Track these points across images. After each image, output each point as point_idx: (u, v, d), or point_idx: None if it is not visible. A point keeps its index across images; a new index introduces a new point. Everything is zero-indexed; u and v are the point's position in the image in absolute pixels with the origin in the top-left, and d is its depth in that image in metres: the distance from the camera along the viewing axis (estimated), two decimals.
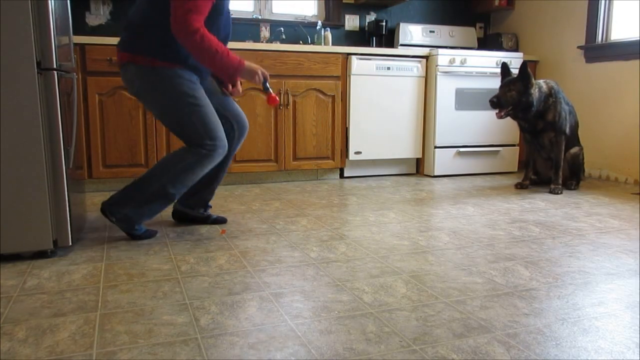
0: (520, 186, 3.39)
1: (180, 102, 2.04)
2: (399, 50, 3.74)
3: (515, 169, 4.10)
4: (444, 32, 4.37)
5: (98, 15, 3.60)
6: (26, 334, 1.28)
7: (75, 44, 2.94)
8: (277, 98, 2.13)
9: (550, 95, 3.16)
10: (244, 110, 3.31)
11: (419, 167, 4.01)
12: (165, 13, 1.99)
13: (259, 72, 2.11)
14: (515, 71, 3.33)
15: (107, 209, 2.08)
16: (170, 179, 2.06)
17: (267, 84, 2.16)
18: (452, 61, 3.76)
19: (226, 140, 2.12)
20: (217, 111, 2.24)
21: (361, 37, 4.29)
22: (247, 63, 2.08)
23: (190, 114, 2.03)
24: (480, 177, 3.88)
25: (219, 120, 2.12)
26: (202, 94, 2.10)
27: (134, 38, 2.04)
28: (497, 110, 3.14)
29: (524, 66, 3.07)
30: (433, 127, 3.80)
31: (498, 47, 4.36)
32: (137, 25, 2.04)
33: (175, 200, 2.37)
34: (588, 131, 3.84)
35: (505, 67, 3.19)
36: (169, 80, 2.03)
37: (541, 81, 3.21)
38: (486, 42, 4.62)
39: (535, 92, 3.10)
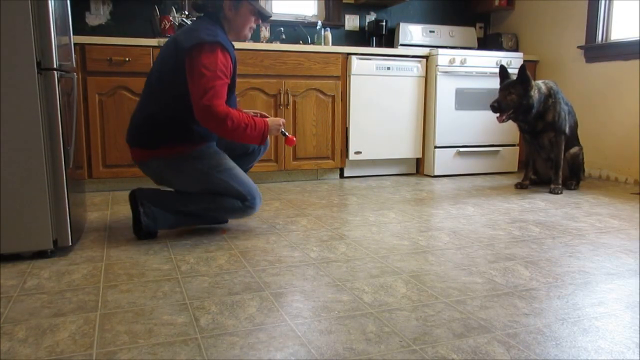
0: (520, 186, 3.39)
1: (210, 175, 2.13)
2: (399, 50, 3.74)
3: (515, 169, 4.10)
4: (444, 32, 4.37)
5: (98, 15, 3.60)
6: (26, 334, 1.28)
7: (75, 44, 2.94)
8: (294, 138, 2.32)
9: (550, 96, 3.16)
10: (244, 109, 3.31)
11: (419, 167, 4.01)
12: (179, 101, 2.05)
13: (281, 124, 2.23)
14: (512, 71, 3.33)
15: (139, 196, 2.10)
16: (212, 209, 2.17)
17: (284, 130, 2.28)
18: (452, 61, 3.76)
19: (258, 189, 2.21)
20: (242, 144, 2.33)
21: (361, 37, 4.29)
22: (270, 122, 2.17)
23: (223, 181, 2.13)
24: (480, 177, 3.88)
25: (245, 174, 2.21)
26: (224, 157, 2.19)
27: (151, 134, 2.10)
28: (497, 115, 3.13)
29: (522, 69, 3.06)
30: (433, 127, 3.80)
31: (498, 47, 4.36)
32: (152, 120, 2.08)
33: None
34: (588, 131, 3.84)
35: (503, 70, 3.17)
36: (192, 162, 2.11)
37: (540, 82, 3.21)
38: (486, 42, 4.62)
39: (535, 94, 3.09)
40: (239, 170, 2.19)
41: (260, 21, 2.26)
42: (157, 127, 2.08)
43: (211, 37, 2.01)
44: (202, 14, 2.18)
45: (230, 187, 2.13)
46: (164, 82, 2.07)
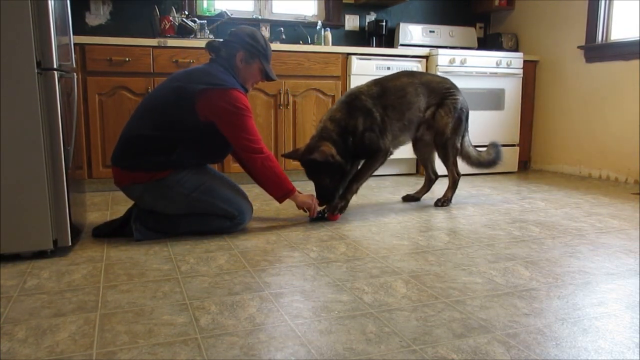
0: (409, 198, 2.97)
1: (194, 198, 2.14)
2: (399, 50, 3.74)
3: (516, 169, 4.10)
4: (444, 32, 4.37)
5: (98, 15, 3.60)
6: (26, 334, 1.28)
7: (75, 44, 2.93)
8: (338, 215, 2.48)
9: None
10: None
11: (418, 167, 4.01)
12: (169, 130, 2.07)
13: (312, 205, 2.37)
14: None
15: (134, 219, 2.11)
16: (198, 229, 2.19)
17: (324, 213, 2.45)
18: (452, 61, 3.76)
19: (248, 201, 2.26)
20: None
21: (361, 37, 4.29)
22: (300, 197, 2.32)
23: (208, 202, 2.15)
24: (480, 177, 3.88)
25: (233, 187, 2.24)
26: (205, 174, 2.19)
27: (134, 155, 2.09)
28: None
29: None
30: None
31: (498, 47, 4.36)
32: (138, 141, 2.08)
33: None
34: (588, 131, 3.84)
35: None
36: (173, 187, 2.11)
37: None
38: (486, 42, 4.62)
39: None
40: (223, 186, 2.19)
41: (264, 81, 2.35)
42: (140, 149, 2.07)
43: (230, 84, 2.11)
44: (213, 58, 2.25)
45: (217, 207, 2.16)
46: (165, 112, 2.09)
